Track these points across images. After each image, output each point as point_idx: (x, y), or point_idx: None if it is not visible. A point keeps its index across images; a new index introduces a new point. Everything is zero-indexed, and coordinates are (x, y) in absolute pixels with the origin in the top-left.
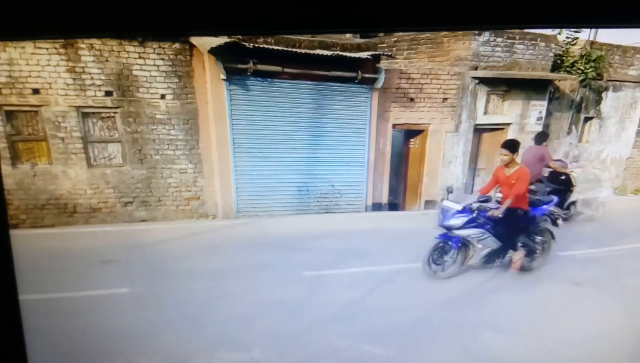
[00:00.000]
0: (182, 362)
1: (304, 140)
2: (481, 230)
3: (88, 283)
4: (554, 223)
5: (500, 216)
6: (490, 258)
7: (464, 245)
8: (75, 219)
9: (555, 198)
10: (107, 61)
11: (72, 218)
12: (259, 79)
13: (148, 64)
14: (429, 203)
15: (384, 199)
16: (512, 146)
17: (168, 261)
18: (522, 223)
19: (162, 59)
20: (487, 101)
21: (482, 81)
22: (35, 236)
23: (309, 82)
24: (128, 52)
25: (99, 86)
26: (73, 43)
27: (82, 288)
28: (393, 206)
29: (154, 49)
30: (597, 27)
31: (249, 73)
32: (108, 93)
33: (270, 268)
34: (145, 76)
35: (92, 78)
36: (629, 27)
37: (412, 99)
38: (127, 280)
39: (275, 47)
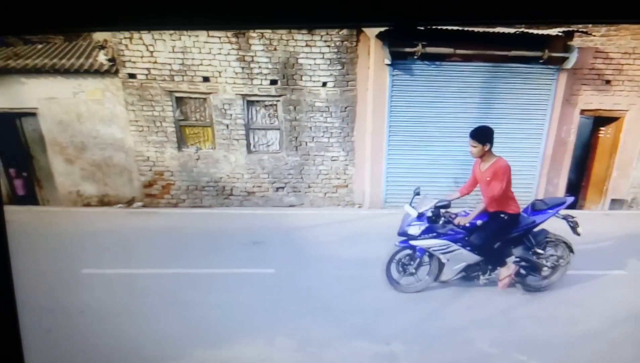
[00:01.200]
0: (320, 345)
1: (467, 128)
2: (444, 242)
3: (238, 262)
4: (574, 231)
5: (467, 224)
6: (470, 275)
7: (433, 256)
8: (231, 201)
9: (569, 199)
10: (275, 49)
11: (227, 200)
12: (426, 62)
13: (314, 52)
14: (616, 202)
15: (559, 195)
16: (481, 135)
17: (313, 246)
18: (510, 231)
19: (328, 46)
20: None
21: None
22: (194, 215)
23: (483, 64)
24: (296, 40)
25: (266, 74)
26: (244, 32)
27: (233, 266)
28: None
29: (322, 36)
30: None
31: (415, 57)
32: (273, 82)
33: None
34: (310, 64)
35: (259, 67)
36: None
37: (608, 82)
38: (274, 261)
39: (451, 27)
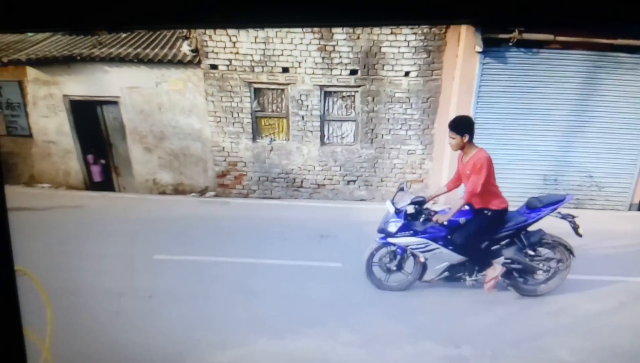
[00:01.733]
0: (386, 343)
1: (561, 121)
2: (422, 240)
3: (305, 254)
4: (575, 232)
5: (445, 222)
6: (454, 275)
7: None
8: (300, 193)
9: (569, 197)
10: (358, 38)
11: (297, 192)
12: (521, 50)
13: (399, 40)
14: None
15: None
16: (459, 125)
17: None
18: (495, 230)
19: (415, 33)
20: None
21: None
22: (264, 206)
23: (585, 53)
24: (381, 28)
25: (346, 64)
26: None
27: (299, 258)
28: None
29: None
30: None
31: (510, 44)
32: (353, 72)
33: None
34: (394, 53)
35: (340, 57)
36: None
37: None
38: (341, 255)
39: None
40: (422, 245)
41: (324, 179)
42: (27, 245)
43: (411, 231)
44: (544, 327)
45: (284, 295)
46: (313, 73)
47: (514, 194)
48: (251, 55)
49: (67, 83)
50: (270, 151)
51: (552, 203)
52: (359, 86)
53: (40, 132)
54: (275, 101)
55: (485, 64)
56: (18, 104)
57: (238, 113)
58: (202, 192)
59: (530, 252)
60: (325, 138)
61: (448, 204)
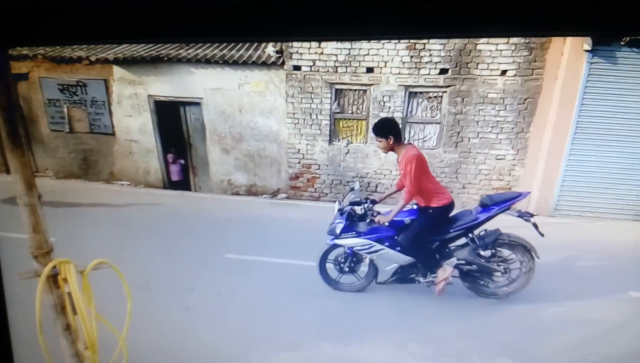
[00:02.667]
0: (457, 357)
1: None
2: (365, 241)
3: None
4: (537, 230)
5: (386, 223)
6: (406, 277)
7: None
8: (374, 197)
9: (524, 194)
10: None
11: (371, 196)
12: (634, 50)
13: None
14: None
15: None
16: (380, 128)
17: None
18: (442, 229)
19: None
20: None
21: None
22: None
23: None
24: None
25: (436, 63)
26: None
27: None
28: None
29: None
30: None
31: (623, 43)
32: (443, 71)
33: (587, 279)
34: (490, 50)
35: (430, 55)
36: None
37: None
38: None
39: None
40: (366, 246)
41: None
42: (106, 239)
43: (354, 232)
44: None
45: (351, 301)
46: (399, 73)
47: (610, 205)
48: (336, 55)
49: (153, 83)
50: (346, 153)
51: (503, 201)
52: (448, 86)
53: (123, 130)
54: (355, 103)
55: (593, 63)
56: (103, 103)
57: (317, 115)
58: (274, 194)
59: (485, 253)
60: (406, 141)
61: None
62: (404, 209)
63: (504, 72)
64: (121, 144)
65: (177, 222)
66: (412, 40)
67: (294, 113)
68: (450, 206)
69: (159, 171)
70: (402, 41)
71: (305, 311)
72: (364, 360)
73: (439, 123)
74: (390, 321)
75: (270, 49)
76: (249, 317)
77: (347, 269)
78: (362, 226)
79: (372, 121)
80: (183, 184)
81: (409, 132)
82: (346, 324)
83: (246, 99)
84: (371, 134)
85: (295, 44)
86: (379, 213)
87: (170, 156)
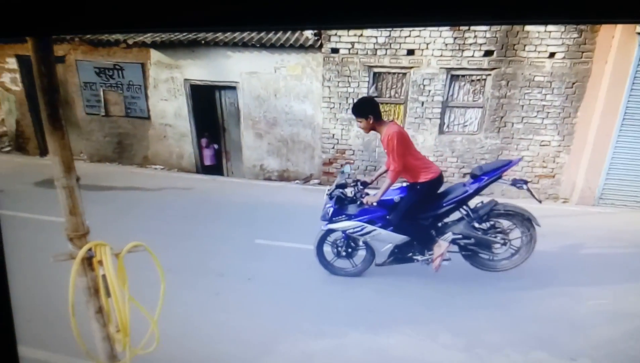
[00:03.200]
0: (491, 349)
1: None
2: (357, 223)
3: None
4: (533, 196)
5: (375, 204)
6: (404, 256)
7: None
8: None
9: (515, 160)
10: None
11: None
12: None
13: None
14: None
15: None
16: (359, 108)
17: None
18: (433, 203)
19: None
20: None
21: None
22: None
23: None
24: None
25: (480, 45)
26: None
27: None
28: None
29: None
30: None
31: None
32: (487, 53)
33: (629, 271)
34: (539, 32)
35: (475, 36)
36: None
37: None
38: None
39: None
40: (358, 228)
41: None
42: (138, 222)
43: (344, 215)
44: None
45: (381, 290)
46: (441, 55)
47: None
48: (375, 37)
49: (189, 67)
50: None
51: (493, 170)
52: (492, 69)
53: (158, 115)
54: (394, 86)
55: None
56: (139, 86)
57: (353, 99)
58: (306, 180)
59: (482, 225)
60: (445, 126)
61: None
62: (393, 187)
63: (552, 55)
64: (156, 128)
65: (208, 206)
66: None
67: (329, 97)
68: (438, 179)
69: (192, 155)
70: None
71: (334, 299)
72: (394, 349)
73: (481, 107)
74: (421, 311)
75: (308, 31)
76: (278, 303)
77: (344, 253)
78: (353, 209)
79: (411, 105)
80: (216, 169)
81: (449, 116)
82: (376, 313)
83: (282, 83)
84: (409, 119)
85: None
86: (367, 194)
87: (204, 141)
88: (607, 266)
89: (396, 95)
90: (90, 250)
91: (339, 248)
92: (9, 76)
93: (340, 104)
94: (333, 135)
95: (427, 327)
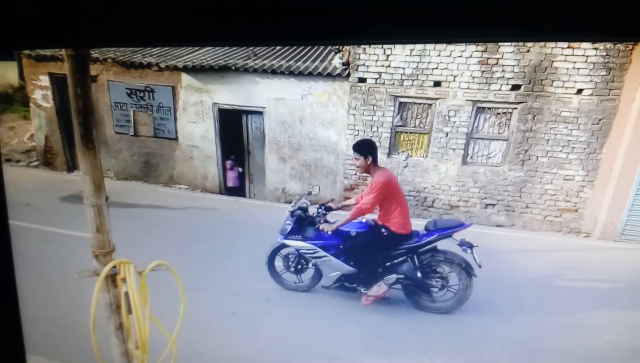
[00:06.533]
0: None
1: None
2: (310, 246)
3: None
4: (474, 259)
5: (329, 232)
6: (349, 285)
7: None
8: (429, 213)
9: (466, 225)
10: (528, 51)
11: (426, 211)
12: None
13: (576, 54)
14: None
15: None
16: (362, 147)
17: (517, 273)
18: (388, 248)
19: (596, 48)
20: None
21: None
22: None
23: None
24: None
25: (508, 79)
26: None
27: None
28: None
29: None
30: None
31: None
32: (515, 87)
33: None
34: (567, 68)
35: (503, 70)
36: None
37: None
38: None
39: None
40: (311, 251)
41: (459, 200)
42: (161, 241)
43: (300, 236)
44: None
45: (396, 316)
46: (468, 88)
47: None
48: (403, 68)
49: (218, 92)
50: (405, 167)
51: (444, 228)
52: (519, 103)
53: (185, 136)
54: (419, 116)
55: None
56: (169, 108)
57: (378, 127)
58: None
59: (419, 273)
60: (469, 156)
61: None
62: (354, 221)
63: (579, 91)
64: (183, 149)
65: (229, 227)
66: (484, 55)
67: (354, 125)
68: (406, 236)
69: (217, 176)
70: (473, 55)
71: (349, 323)
72: None
73: (506, 140)
74: (437, 339)
75: (336, 60)
76: (293, 325)
77: (293, 269)
78: (310, 231)
79: (435, 136)
80: (239, 191)
81: (473, 148)
82: (391, 339)
83: (308, 110)
84: (432, 149)
85: (362, 56)
86: (326, 221)
87: (228, 163)
88: (626, 302)
89: (421, 125)
90: (114, 267)
91: (290, 263)
92: (40, 93)
93: (364, 131)
94: None
95: (442, 356)
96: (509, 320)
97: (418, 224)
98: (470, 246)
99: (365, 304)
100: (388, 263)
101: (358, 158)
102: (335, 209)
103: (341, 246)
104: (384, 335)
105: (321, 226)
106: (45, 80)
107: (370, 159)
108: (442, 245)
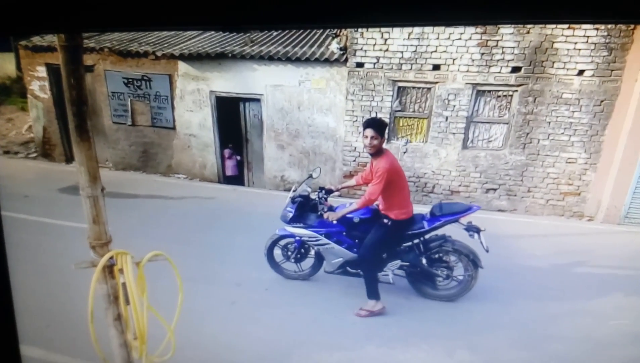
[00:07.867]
0: None
1: None
2: (313, 233)
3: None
4: (482, 245)
5: (334, 221)
6: (350, 271)
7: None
8: (430, 199)
9: (474, 207)
10: (528, 33)
11: (427, 197)
12: None
13: (577, 35)
14: None
15: None
16: (381, 126)
17: (520, 259)
18: (391, 238)
19: (597, 29)
20: None
21: None
22: None
23: None
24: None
25: (508, 61)
26: None
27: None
28: None
29: None
30: None
31: None
32: (515, 69)
33: None
34: (568, 49)
35: (503, 53)
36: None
37: None
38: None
39: None
40: (313, 239)
41: (460, 185)
42: (159, 231)
43: (302, 223)
44: None
45: (398, 305)
46: (467, 71)
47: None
48: (401, 52)
49: (216, 79)
50: (404, 153)
51: (451, 213)
52: (519, 85)
53: (183, 125)
54: (418, 101)
55: None
56: (166, 97)
57: (376, 113)
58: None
59: (425, 260)
60: (469, 141)
61: None
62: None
63: (581, 72)
64: (180, 138)
65: (228, 216)
66: (484, 37)
67: (353, 111)
68: (409, 220)
69: (215, 165)
70: (473, 38)
71: (351, 312)
72: None
73: (507, 123)
74: (438, 326)
75: (334, 46)
76: (294, 314)
77: (293, 259)
78: (312, 218)
79: (435, 120)
80: (237, 179)
81: (473, 132)
82: (392, 327)
83: (305, 96)
84: (432, 133)
85: (360, 40)
86: (330, 209)
87: (227, 152)
88: (630, 287)
89: (420, 109)
90: (111, 258)
91: (289, 253)
92: (38, 84)
93: (363, 117)
94: (355, 148)
95: (444, 343)
96: (511, 306)
97: (419, 210)
98: (478, 231)
99: (356, 315)
100: (392, 250)
101: (376, 136)
102: (336, 191)
103: (344, 233)
104: (385, 322)
105: (325, 215)
106: (42, 71)
107: (384, 140)
108: (447, 229)
